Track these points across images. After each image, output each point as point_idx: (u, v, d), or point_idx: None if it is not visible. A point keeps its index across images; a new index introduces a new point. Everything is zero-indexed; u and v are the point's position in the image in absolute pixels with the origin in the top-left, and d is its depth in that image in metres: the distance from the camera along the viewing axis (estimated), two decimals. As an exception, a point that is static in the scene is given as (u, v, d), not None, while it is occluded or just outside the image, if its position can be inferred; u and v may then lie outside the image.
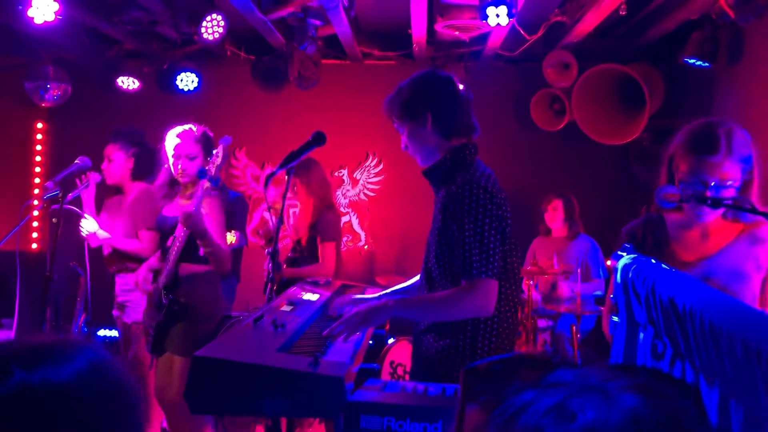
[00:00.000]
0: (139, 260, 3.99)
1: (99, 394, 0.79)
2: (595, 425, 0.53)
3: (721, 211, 2.02)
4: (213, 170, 3.18)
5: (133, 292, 3.96)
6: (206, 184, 3.16)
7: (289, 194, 3.17)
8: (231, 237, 4.46)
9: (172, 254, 3.22)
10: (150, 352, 3.34)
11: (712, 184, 1.95)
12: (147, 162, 4.14)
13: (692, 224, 2.08)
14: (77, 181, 4.08)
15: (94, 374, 0.79)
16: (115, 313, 4.12)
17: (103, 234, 4.00)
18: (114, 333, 5.08)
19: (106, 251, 4.11)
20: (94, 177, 4.07)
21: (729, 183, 1.95)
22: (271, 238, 4.92)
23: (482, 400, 0.63)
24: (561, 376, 0.60)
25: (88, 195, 4.10)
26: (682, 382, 0.63)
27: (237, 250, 4.76)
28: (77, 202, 4.06)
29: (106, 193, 4.33)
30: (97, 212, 4.21)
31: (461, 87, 2.45)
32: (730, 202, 1.92)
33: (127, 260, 4.03)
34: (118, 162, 4.09)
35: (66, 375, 0.77)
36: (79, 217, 4.02)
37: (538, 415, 0.55)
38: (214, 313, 3.30)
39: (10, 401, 0.72)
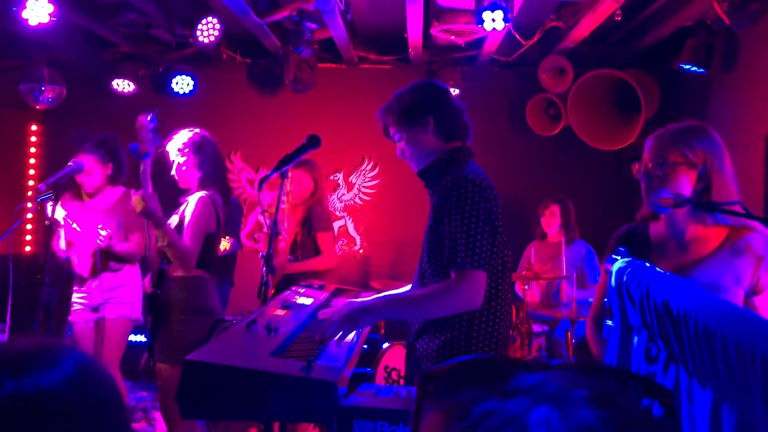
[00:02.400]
0: (127, 260, 4.01)
1: (89, 397, 0.78)
2: None
3: (690, 219, 2.03)
4: (144, 147, 3.05)
5: (117, 289, 3.96)
6: (146, 163, 3.04)
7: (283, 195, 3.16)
8: (225, 243, 4.45)
9: (152, 253, 3.18)
10: (149, 357, 3.34)
11: (649, 166, 2.05)
12: (122, 164, 4.08)
13: (672, 234, 2.08)
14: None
15: (83, 377, 0.79)
16: (77, 317, 4.02)
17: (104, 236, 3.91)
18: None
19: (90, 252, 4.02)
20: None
21: (659, 162, 2.02)
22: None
23: (441, 406, 0.63)
24: (522, 382, 0.60)
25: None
26: (651, 383, 0.63)
27: (231, 255, 4.75)
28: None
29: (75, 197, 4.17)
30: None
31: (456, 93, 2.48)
32: (727, 207, 1.91)
33: (110, 261, 3.98)
34: (96, 173, 3.99)
35: (56, 379, 0.76)
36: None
37: (497, 427, 0.55)
38: (195, 318, 3.22)
39: (2, 410, 0.72)
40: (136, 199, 3.01)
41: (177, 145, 3.38)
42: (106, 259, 3.99)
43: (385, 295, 2.75)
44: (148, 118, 3.10)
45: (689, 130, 2.06)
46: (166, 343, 3.21)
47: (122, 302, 4.00)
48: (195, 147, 3.38)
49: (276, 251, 4.44)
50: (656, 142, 2.07)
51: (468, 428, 0.56)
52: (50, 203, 3.50)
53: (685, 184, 2.01)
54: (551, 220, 5.28)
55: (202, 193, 3.30)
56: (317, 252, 4.53)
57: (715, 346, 1.29)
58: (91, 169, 3.97)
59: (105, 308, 3.96)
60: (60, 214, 3.88)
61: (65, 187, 4.03)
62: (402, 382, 4.75)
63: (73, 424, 0.76)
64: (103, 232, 3.88)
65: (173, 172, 3.40)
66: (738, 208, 1.87)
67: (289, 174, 4.13)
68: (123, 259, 4.00)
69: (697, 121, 2.14)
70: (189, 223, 3.23)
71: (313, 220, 4.52)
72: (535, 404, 0.56)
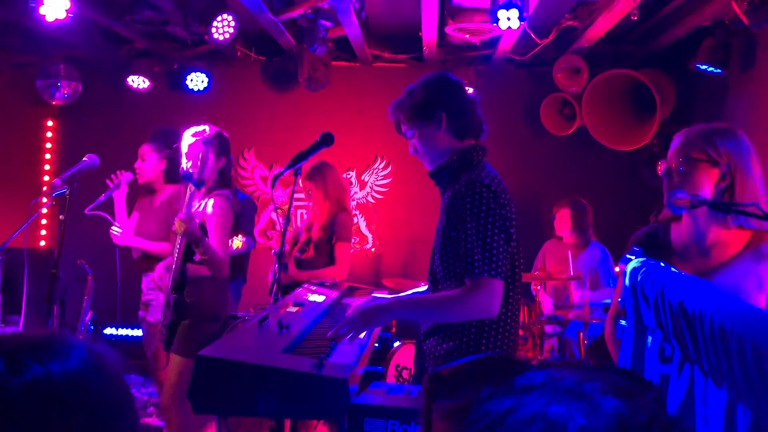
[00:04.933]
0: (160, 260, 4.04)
1: (105, 378, 0.83)
2: (584, 430, 0.53)
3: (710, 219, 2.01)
4: (196, 174, 3.19)
5: (155, 290, 4.00)
6: (191, 187, 3.17)
7: (300, 195, 3.16)
8: (238, 242, 4.43)
9: (176, 255, 3.22)
10: (165, 350, 3.37)
11: (671, 163, 2.04)
12: (178, 164, 4.15)
13: (693, 237, 2.05)
14: (108, 181, 4.08)
15: (97, 361, 0.83)
16: (140, 313, 4.13)
17: (133, 240, 4.03)
18: (137, 332, 5.11)
19: (135, 254, 4.14)
20: (125, 176, 4.07)
21: (681, 159, 2.02)
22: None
23: (449, 405, 0.62)
24: (532, 378, 0.59)
25: (119, 195, 4.09)
26: (648, 381, 0.63)
27: (244, 253, 4.74)
28: (109, 202, 4.06)
29: (139, 192, 4.34)
30: (129, 211, 4.23)
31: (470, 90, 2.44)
32: (745, 208, 1.88)
33: (154, 261, 4.04)
34: (150, 162, 4.11)
35: (76, 363, 0.80)
36: (107, 221, 4.04)
37: (522, 424, 0.54)
38: (219, 314, 3.29)
39: (31, 391, 0.75)
40: (177, 222, 3.13)
41: (198, 141, 3.39)
42: (143, 258, 4.07)
43: (400, 296, 2.74)
44: (206, 132, 3.33)
45: (715, 129, 2.04)
46: (185, 338, 3.26)
47: (158, 305, 3.99)
48: (218, 144, 3.39)
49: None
50: (681, 140, 2.06)
51: (488, 428, 0.55)
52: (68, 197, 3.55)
53: (705, 182, 1.99)
54: (562, 225, 5.24)
55: (213, 199, 3.32)
56: (330, 258, 4.45)
57: (730, 346, 1.27)
58: (146, 156, 4.10)
59: (149, 309, 4.07)
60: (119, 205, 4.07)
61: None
62: (413, 380, 4.74)
63: (91, 405, 0.80)
64: (116, 229, 3.95)
65: (186, 166, 3.40)
66: (755, 210, 1.84)
67: (302, 173, 4.11)
68: (159, 259, 4.03)
69: (719, 122, 2.12)
70: (214, 231, 3.28)
71: (337, 227, 4.43)
72: (554, 398, 0.55)
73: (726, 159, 1.98)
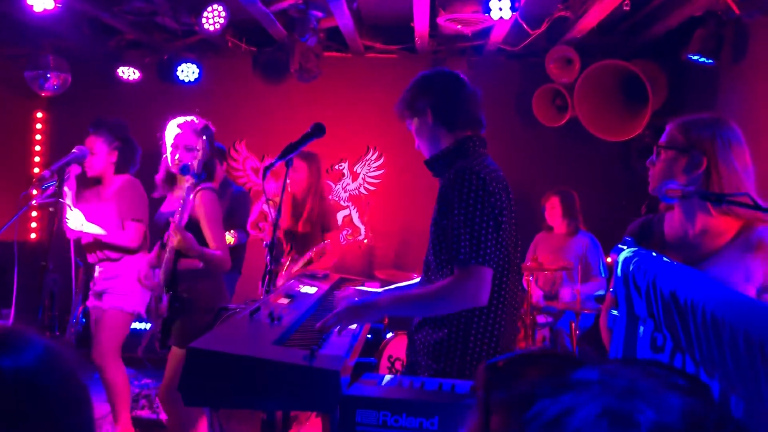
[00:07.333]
0: (121, 250, 3.94)
1: (59, 376, 0.83)
2: (658, 427, 0.51)
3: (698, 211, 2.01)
4: (196, 165, 3.15)
5: (114, 279, 3.92)
6: (189, 180, 3.13)
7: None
8: (229, 237, 4.42)
9: (168, 250, 3.20)
10: (160, 349, 3.34)
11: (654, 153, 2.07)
12: (130, 155, 4.05)
13: (684, 227, 2.04)
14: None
15: (52, 358, 0.83)
16: (90, 303, 4.03)
17: (90, 228, 3.87)
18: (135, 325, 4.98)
19: (84, 241, 4.01)
20: (74, 169, 3.94)
21: (654, 155, 2.06)
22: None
23: (506, 398, 0.61)
24: (587, 375, 0.57)
25: (69, 188, 3.99)
26: (703, 382, 0.61)
27: (239, 246, 4.74)
28: (58, 195, 3.97)
29: (83, 184, 4.17)
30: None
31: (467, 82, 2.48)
32: (736, 198, 1.87)
33: (107, 250, 3.95)
34: (100, 155, 3.96)
35: (29, 359, 0.80)
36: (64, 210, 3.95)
37: (590, 422, 0.52)
38: (215, 306, 3.27)
39: None
40: (172, 233, 3.08)
41: (185, 132, 3.34)
42: (93, 246, 3.97)
43: (391, 290, 2.73)
44: (195, 122, 3.29)
45: (694, 119, 2.03)
46: (182, 330, 3.25)
47: (117, 293, 3.93)
48: (207, 134, 3.36)
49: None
50: (665, 130, 2.06)
51: (549, 425, 0.54)
52: (59, 184, 3.50)
53: (678, 171, 1.99)
54: (552, 214, 5.26)
55: (201, 192, 3.29)
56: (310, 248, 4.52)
57: (722, 336, 1.27)
58: (95, 148, 3.96)
59: (104, 297, 3.95)
60: (69, 196, 3.88)
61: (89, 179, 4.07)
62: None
63: (44, 399, 0.80)
64: (70, 218, 3.83)
65: (176, 159, 3.36)
66: (746, 200, 1.83)
67: (293, 163, 4.11)
68: (117, 249, 3.96)
69: (709, 112, 2.10)
70: (208, 226, 3.27)
71: (326, 219, 4.51)
72: (621, 395, 0.54)
73: (701, 148, 1.96)
